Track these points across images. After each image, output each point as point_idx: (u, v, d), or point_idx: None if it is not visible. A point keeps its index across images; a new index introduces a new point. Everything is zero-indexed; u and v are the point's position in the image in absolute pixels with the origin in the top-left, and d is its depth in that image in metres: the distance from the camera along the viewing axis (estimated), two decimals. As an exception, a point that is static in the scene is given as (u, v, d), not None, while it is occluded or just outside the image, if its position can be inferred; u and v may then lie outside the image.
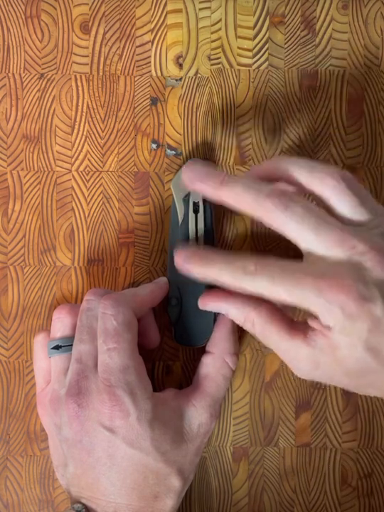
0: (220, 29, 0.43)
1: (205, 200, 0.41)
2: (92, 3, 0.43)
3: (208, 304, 0.38)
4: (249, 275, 0.34)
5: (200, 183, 0.36)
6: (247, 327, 0.37)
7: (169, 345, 0.43)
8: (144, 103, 0.43)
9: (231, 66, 0.43)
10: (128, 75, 0.43)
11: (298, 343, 0.34)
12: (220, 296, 0.38)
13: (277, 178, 0.36)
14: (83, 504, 0.37)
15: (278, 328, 0.35)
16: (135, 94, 0.43)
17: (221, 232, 0.43)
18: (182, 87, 0.43)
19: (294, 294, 0.33)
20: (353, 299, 0.32)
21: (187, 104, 0.43)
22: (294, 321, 0.36)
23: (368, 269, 0.32)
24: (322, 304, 0.32)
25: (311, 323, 0.34)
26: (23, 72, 0.43)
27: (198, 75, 0.43)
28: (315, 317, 0.33)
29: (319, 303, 0.32)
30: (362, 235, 0.33)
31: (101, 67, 0.43)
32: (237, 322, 0.37)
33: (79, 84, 0.43)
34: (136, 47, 0.43)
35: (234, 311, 0.37)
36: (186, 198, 0.41)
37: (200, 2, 0.43)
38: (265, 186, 0.34)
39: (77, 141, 0.43)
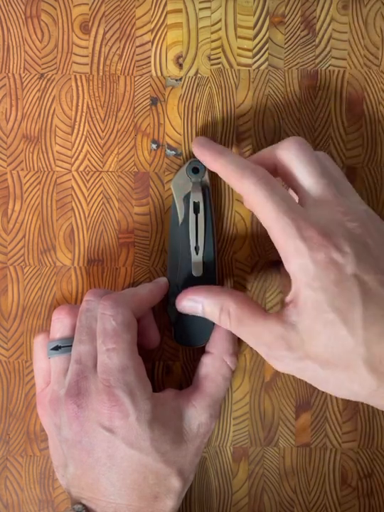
0: (220, 29, 0.43)
1: (205, 200, 0.41)
2: (92, 3, 0.43)
3: (182, 303, 0.39)
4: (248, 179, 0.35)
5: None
6: (223, 319, 0.37)
7: (169, 345, 0.43)
8: (144, 103, 0.43)
9: (231, 66, 0.43)
10: (128, 75, 0.43)
11: (271, 323, 0.35)
12: (193, 291, 0.39)
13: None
14: (83, 505, 0.37)
15: (252, 311, 0.36)
16: (135, 94, 0.43)
17: (221, 232, 0.43)
18: (182, 87, 0.43)
19: (278, 219, 0.34)
20: (325, 246, 0.33)
21: (187, 104, 0.43)
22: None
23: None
24: (296, 238, 0.33)
25: (286, 298, 0.35)
26: (23, 72, 0.43)
27: (198, 75, 0.43)
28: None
29: (295, 238, 0.33)
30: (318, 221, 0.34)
31: (101, 67, 0.43)
32: (213, 317, 0.38)
33: (79, 84, 0.43)
34: (136, 47, 0.43)
35: (209, 304, 0.38)
36: (186, 198, 0.41)
37: (200, 2, 0.43)
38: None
39: (77, 141, 0.43)
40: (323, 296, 0.33)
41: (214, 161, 0.37)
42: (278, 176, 0.38)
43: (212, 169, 0.38)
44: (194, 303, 0.38)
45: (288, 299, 0.35)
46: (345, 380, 0.34)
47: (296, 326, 0.34)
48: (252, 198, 0.35)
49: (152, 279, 0.43)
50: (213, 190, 0.43)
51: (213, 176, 0.43)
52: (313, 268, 0.33)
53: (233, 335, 0.41)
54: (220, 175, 0.38)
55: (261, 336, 0.36)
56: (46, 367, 0.41)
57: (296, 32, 0.43)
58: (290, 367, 0.36)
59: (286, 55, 0.43)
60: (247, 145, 0.43)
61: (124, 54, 0.43)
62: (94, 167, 0.43)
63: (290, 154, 0.36)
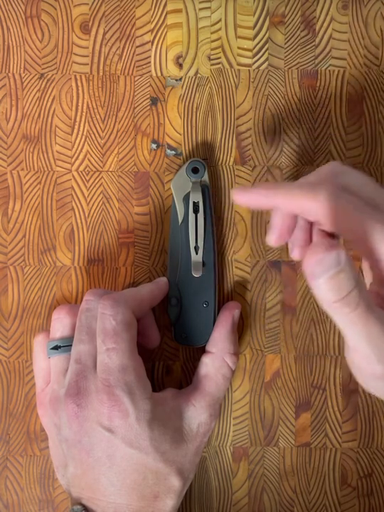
0: (220, 29, 0.43)
1: (205, 200, 0.41)
2: (92, 3, 0.43)
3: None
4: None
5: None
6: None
7: (169, 345, 0.43)
8: (144, 103, 0.43)
9: (231, 66, 0.43)
10: (128, 75, 0.43)
11: None
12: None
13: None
14: (83, 505, 0.37)
15: None
16: (135, 94, 0.43)
17: (221, 232, 0.43)
18: (182, 87, 0.43)
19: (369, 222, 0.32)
20: None
21: (187, 104, 0.43)
22: None
23: None
24: None
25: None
26: (23, 72, 0.43)
27: (198, 75, 0.43)
28: None
29: None
30: None
31: (101, 67, 0.43)
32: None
33: (79, 84, 0.43)
34: (136, 47, 0.43)
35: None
36: (186, 198, 0.41)
37: (200, 2, 0.43)
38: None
39: (77, 141, 0.43)
40: None
41: (274, 194, 0.35)
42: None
43: (272, 204, 0.35)
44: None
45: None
46: None
47: None
48: (338, 212, 0.33)
49: (152, 279, 0.43)
50: (213, 190, 0.43)
51: (213, 176, 0.43)
52: None
53: (234, 335, 0.41)
54: (284, 205, 0.35)
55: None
56: (46, 367, 0.41)
57: (296, 32, 0.43)
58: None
59: (286, 55, 0.43)
60: (247, 145, 0.43)
61: (124, 54, 0.43)
62: (94, 167, 0.43)
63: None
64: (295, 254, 0.37)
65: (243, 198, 0.35)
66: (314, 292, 0.30)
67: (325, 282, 0.29)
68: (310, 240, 0.37)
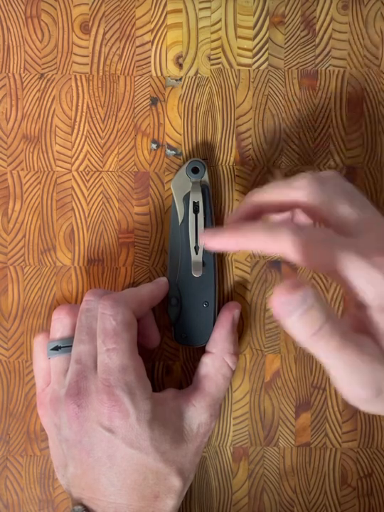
0: (220, 29, 0.43)
1: (205, 200, 0.41)
2: (92, 3, 0.43)
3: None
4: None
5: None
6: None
7: (169, 345, 0.43)
8: (144, 103, 0.43)
9: (231, 66, 0.43)
10: (128, 75, 0.43)
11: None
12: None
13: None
14: (83, 506, 0.37)
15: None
16: (135, 94, 0.43)
17: (221, 232, 0.43)
18: (182, 87, 0.43)
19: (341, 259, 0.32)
20: None
21: (187, 104, 0.43)
22: None
23: None
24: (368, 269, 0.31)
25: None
26: (23, 72, 0.43)
27: (198, 75, 0.43)
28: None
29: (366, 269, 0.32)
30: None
31: (101, 67, 0.43)
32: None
33: (79, 84, 0.43)
34: (136, 47, 0.43)
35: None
36: (186, 198, 0.41)
37: (200, 2, 0.43)
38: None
39: (77, 141, 0.43)
40: None
41: (240, 236, 0.34)
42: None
43: (240, 247, 0.34)
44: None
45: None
46: None
47: None
48: (303, 250, 0.32)
49: (152, 279, 0.43)
50: (213, 190, 0.43)
51: (213, 176, 0.43)
52: None
53: (234, 335, 0.41)
54: (251, 247, 0.34)
55: None
56: (46, 367, 0.41)
57: (296, 32, 0.43)
58: None
59: (286, 55, 0.43)
60: (247, 145, 0.43)
61: (124, 54, 0.43)
62: (94, 167, 0.43)
63: (311, 195, 0.34)
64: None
65: (212, 243, 0.35)
66: (288, 330, 0.30)
67: (297, 320, 0.29)
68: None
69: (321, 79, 0.43)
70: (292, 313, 0.29)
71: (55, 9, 0.43)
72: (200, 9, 0.43)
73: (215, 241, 0.34)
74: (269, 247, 0.33)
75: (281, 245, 0.32)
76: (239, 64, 0.43)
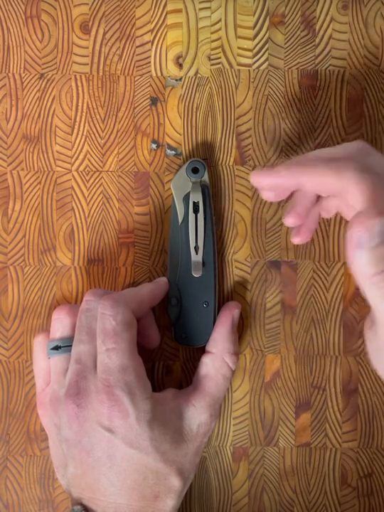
0: (220, 29, 0.43)
1: (205, 200, 0.41)
2: (92, 3, 0.43)
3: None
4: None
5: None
6: None
7: (169, 345, 0.43)
8: (144, 103, 0.43)
9: (231, 66, 0.43)
10: (128, 75, 0.43)
11: None
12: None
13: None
14: (83, 505, 0.37)
15: None
16: (135, 94, 0.43)
17: (221, 232, 0.43)
18: (182, 87, 0.43)
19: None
20: None
21: (187, 104, 0.43)
22: None
23: None
24: None
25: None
26: (23, 72, 0.43)
27: (198, 75, 0.43)
28: None
29: None
30: None
31: (101, 67, 0.43)
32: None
33: (79, 84, 0.43)
34: (136, 47, 0.43)
35: None
36: (186, 198, 0.41)
37: (200, 2, 0.43)
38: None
39: (77, 141, 0.43)
40: None
41: (298, 172, 0.34)
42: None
43: (295, 183, 0.34)
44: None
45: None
46: None
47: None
48: (364, 191, 0.31)
49: (152, 279, 0.43)
50: (213, 190, 0.43)
51: (213, 176, 0.43)
52: None
53: (234, 334, 0.41)
54: (308, 183, 0.34)
55: None
56: (46, 367, 0.41)
57: (296, 32, 0.43)
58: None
59: (286, 55, 0.43)
60: (247, 145, 0.43)
61: (124, 54, 0.43)
62: (94, 167, 0.43)
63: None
64: (290, 222, 0.37)
65: (265, 181, 0.34)
66: (352, 265, 0.29)
67: (367, 253, 0.29)
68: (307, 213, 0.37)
69: (321, 79, 0.43)
70: (369, 242, 0.28)
71: (55, 9, 0.43)
72: (200, 9, 0.43)
73: (268, 180, 0.34)
74: (328, 184, 0.32)
75: (343, 184, 0.32)
76: (239, 64, 0.43)
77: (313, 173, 0.33)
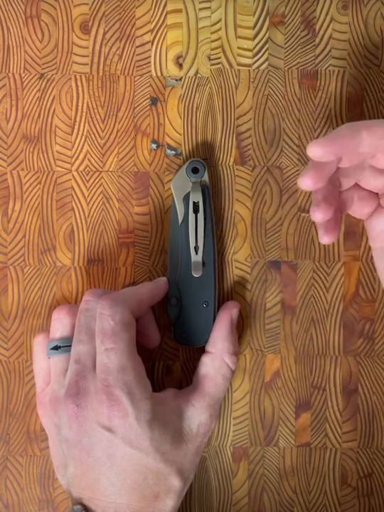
0: (220, 29, 0.43)
1: (205, 200, 0.41)
2: (92, 3, 0.43)
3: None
4: None
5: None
6: None
7: (169, 345, 0.43)
8: (144, 103, 0.43)
9: (231, 66, 0.43)
10: (128, 75, 0.43)
11: None
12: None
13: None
14: (83, 505, 0.37)
15: None
16: (135, 94, 0.43)
17: (221, 232, 0.43)
18: (182, 87, 0.43)
19: None
20: None
21: (187, 104, 0.43)
22: None
23: None
24: None
25: None
26: (23, 72, 0.43)
27: (198, 75, 0.43)
28: None
29: None
30: None
31: (101, 67, 0.43)
32: None
33: (79, 84, 0.43)
34: (136, 47, 0.43)
35: None
36: (186, 198, 0.41)
37: (200, 2, 0.43)
38: None
39: (77, 141, 0.43)
40: None
41: (358, 131, 0.34)
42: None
43: (356, 143, 0.34)
44: None
45: None
46: None
47: None
48: None
49: (152, 279, 0.43)
50: (213, 190, 0.43)
51: (213, 176, 0.43)
52: None
53: (233, 335, 0.41)
54: (372, 140, 0.34)
55: None
56: (46, 367, 0.41)
57: (296, 32, 0.43)
58: None
59: (286, 55, 0.43)
60: (247, 145, 0.43)
61: (124, 54, 0.43)
62: (94, 167, 0.43)
63: None
64: (318, 216, 0.36)
65: (327, 147, 0.33)
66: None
67: None
68: (335, 201, 0.37)
69: (321, 79, 0.43)
70: None
71: (55, 9, 0.43)
72: (200, 9, 0.43)
73: (330, 147, 0.33)
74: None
75: None
76: (239, 64, 0.43)
77: (375, 124, 0.34)
